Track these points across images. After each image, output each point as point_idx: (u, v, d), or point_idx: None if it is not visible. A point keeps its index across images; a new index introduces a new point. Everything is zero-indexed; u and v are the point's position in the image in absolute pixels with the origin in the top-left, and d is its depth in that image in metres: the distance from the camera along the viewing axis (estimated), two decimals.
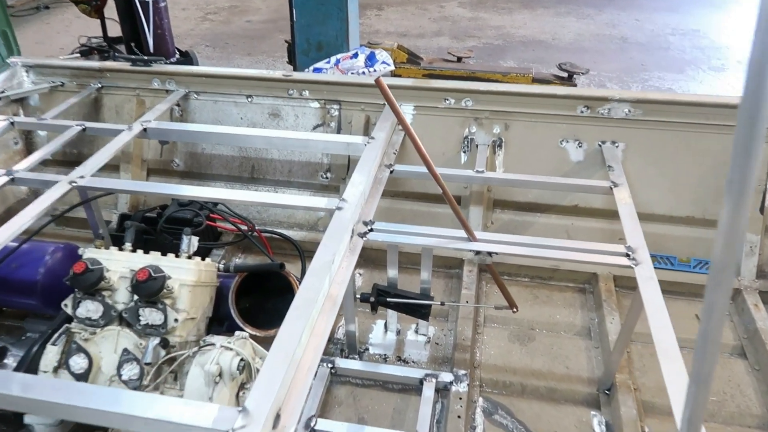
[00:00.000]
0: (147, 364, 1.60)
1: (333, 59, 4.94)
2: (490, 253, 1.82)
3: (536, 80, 4.85)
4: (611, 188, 2.14)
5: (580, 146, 2.50)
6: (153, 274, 1.65)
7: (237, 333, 1.77)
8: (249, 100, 2.73)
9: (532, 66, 6.27)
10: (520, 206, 2.60)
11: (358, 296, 2.04)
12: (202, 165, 2.85)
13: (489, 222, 2.59)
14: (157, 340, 1.62)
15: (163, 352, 1.64)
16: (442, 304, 2.06)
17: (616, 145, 2.46)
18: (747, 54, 0.55)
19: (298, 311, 1.41)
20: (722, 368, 2.08)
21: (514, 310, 1.99)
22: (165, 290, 1.67)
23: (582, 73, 5.03)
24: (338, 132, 2.68)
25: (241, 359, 1.65)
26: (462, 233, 1.87)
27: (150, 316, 1.68)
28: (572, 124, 2.48)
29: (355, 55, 4.85)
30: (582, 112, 2.45)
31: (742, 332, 2.20)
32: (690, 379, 0.84)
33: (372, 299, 2.02)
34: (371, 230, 1.87)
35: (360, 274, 2.55)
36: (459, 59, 5.60)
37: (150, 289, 1.64)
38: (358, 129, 2.63)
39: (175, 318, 1.68)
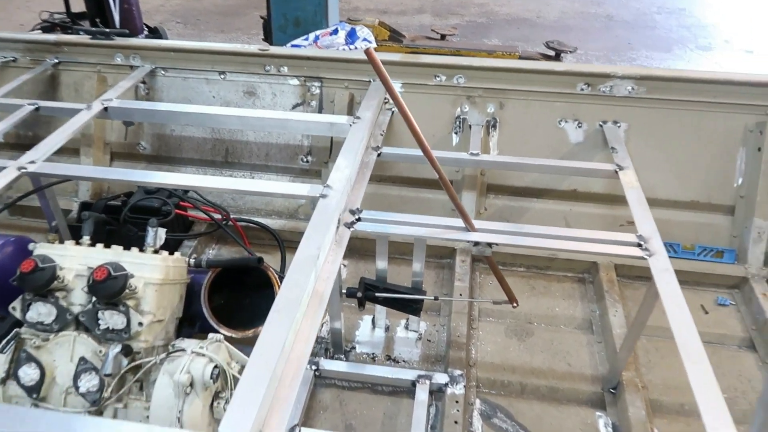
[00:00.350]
0: (107, 375, 1.42)
1: (311, 36, 4.71)
2: (490, 244, 1.67)
3: (522, 58, 4.70)
4: (616, 171, 2.00)
5: (579, 126, 2.35)
6: (113, 273, 1.46)
7: (210, 336, 1.61)
8: (222, 77, 2.52)
9: (518, 44, 6.11)
10: (515, 191, 2.45)
11: (344, 291, 1.88)
12: (171, 148, 2.64)
13: (482, 208, 2.44)
14: (118, 348, 1.44)
15: (125, 361, 1.46)
16: (436, 299, 1.91)
17: (618, 125, 2.32)
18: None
19: (280, 314, 1.25)
20: (732, 362, 1.97)
21: (515, 304, 1.85)
22: (127, 290, 1.48)
23: (570, 52, 4.89)
24: (320, 111, 2.49)
25: (215, 366, 1.48)
26: (458, 222, 1.71)
27: (110, 319, 1.50)
28: (572, 102, 2.33)
29: (335, 32, 4.63)
30: (582, 89, 2.30)
31: (751, 323, 2.09)
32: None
33: (359, 294, 1.87)
34: (359, 219, 1.71)
35: (344, 266, 2.38)
36: (443, 37, 5.41)
37: (110, 289, 1.46)
38: (341, 108, 2.45)
39: (140, 321, 1.50)
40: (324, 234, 1.48)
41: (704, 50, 6.72)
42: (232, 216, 2.36)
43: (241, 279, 1.97)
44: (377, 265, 1.88)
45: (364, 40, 4.70)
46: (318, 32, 4.73)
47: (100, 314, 1.48)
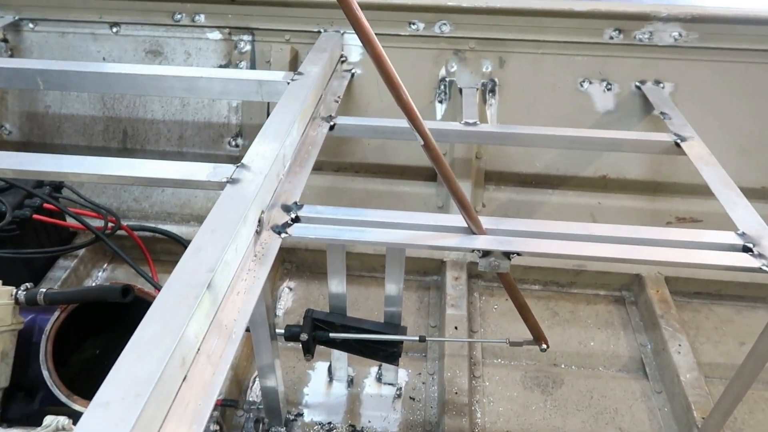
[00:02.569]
0: None
1: None
2: (508, 255, 1.08)
3: None
4: (677, 144, 1.44)
5: (609, 89, 1.80)
6: None
7: (47, 420, 1.00)
8: (114, 30, 1.90)
9: None
10: (523, 180, 1.88)
11: (280, 331, 1.27)
12: (47, 131, 1.99)
13: (480, 204, 1.87)
14: None
15: None
16: (422, 339, 1.31)
17: (662, 85, 1.77)
18: None
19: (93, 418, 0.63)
20: None
21: (544, 345, 1.26)
22: None
23: None
24: None
25: None
26: (454, 220, 1.12)
27: None
28: (598, 55, 1.78)
29: None
30: (612, 38, 1.75)
31: None
32: None
33: (304, 336, 1.27)
34: (296, 219, 1.10)
35: (290, 289, 1.77)
36: None
37: None
38: (281, 69, 1.84)
39: None
40: (227, 240, 0.86)
41: None
42: (128, 223, 1.74)
43: (126, 318, 1.34)
44: (330, 288, 1.29)
45: None
46: None
47: None
